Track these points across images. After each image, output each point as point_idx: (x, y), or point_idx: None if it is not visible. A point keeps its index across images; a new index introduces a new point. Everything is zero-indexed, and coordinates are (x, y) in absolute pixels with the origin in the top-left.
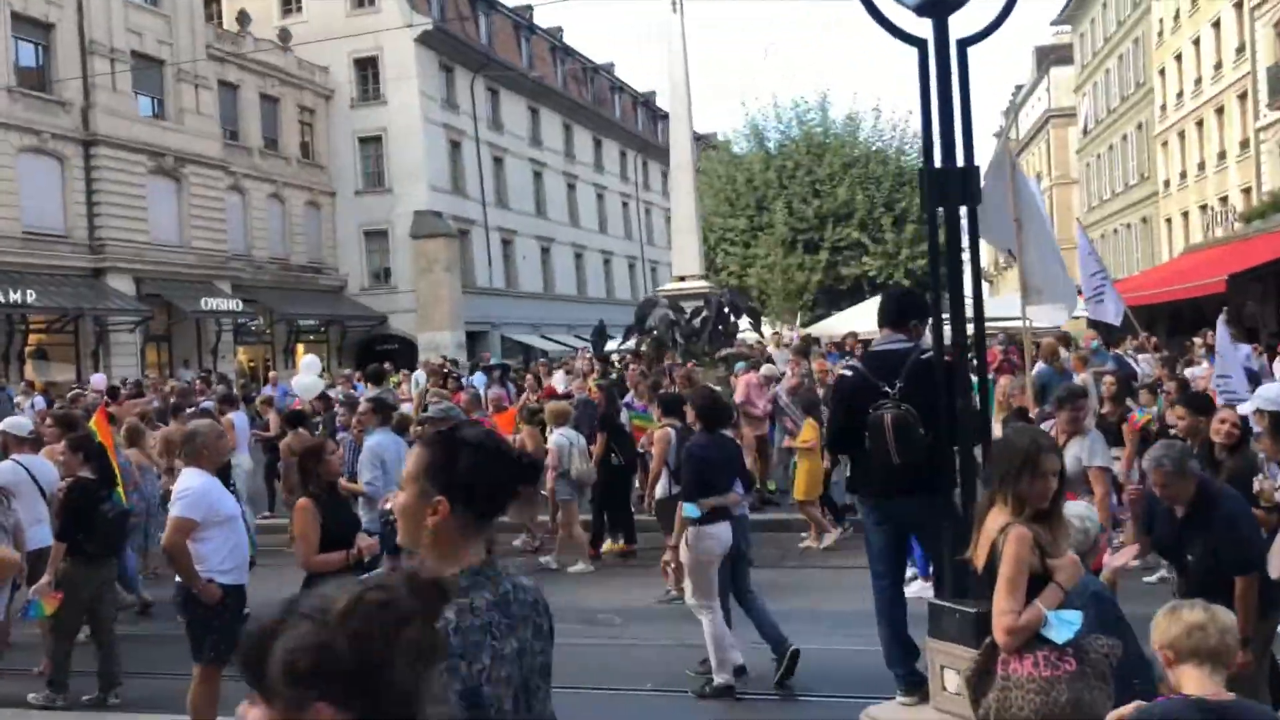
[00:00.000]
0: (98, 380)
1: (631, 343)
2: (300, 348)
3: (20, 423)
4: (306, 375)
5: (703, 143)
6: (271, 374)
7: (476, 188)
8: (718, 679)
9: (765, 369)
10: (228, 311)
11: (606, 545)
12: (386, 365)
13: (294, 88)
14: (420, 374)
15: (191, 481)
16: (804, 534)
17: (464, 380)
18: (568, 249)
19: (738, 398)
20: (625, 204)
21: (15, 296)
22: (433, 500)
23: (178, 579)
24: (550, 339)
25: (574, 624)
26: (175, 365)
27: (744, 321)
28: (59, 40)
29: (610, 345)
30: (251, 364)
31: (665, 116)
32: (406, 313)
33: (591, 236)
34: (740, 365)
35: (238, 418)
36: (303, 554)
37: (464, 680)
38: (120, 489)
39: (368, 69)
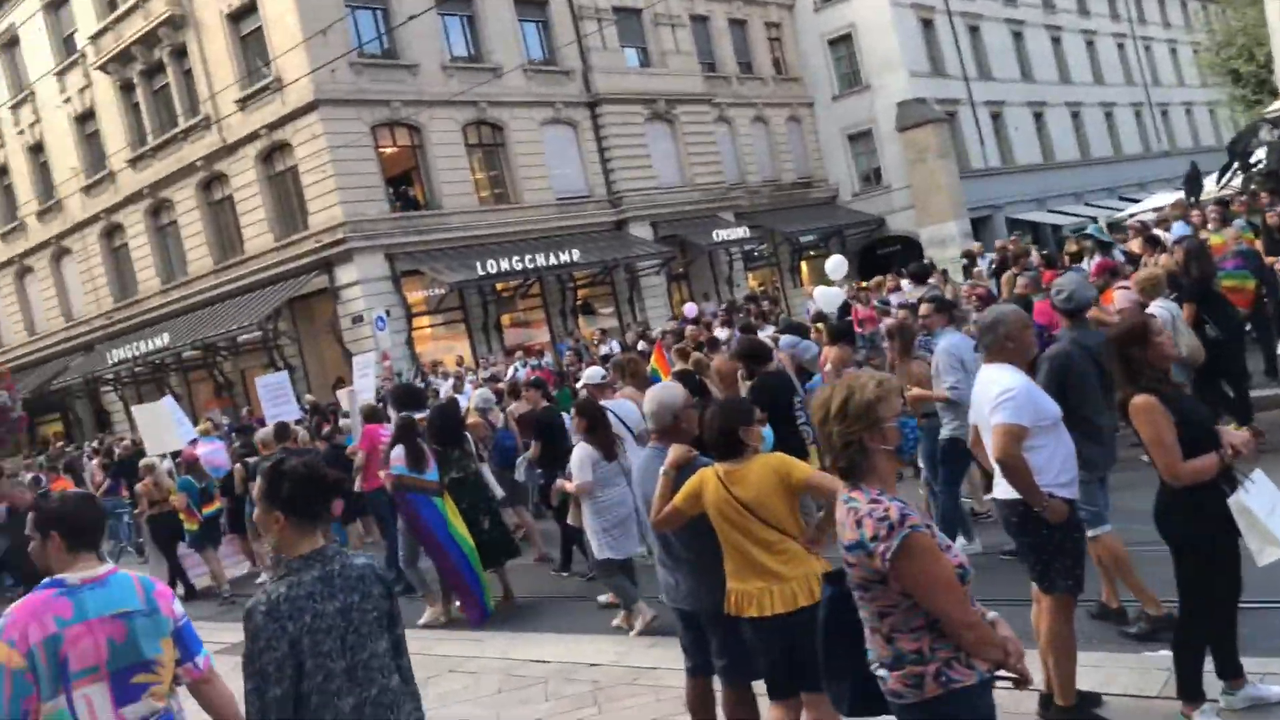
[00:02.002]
0: (689, 309)
1: (1237, 181)
2: (804, 265)
3: (595, 372)
4: (825, 291)
5: None
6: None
7: (956, 64)
8: None
9: None
10: (735, 240)
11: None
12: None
13: (758, 5)
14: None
15: (1010, 381)
16: None
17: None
18: (1062, 110)
19: None
20: (1120, 45)
21: (565, 257)
22: (272, 515)
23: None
24: (1057, 211)
25: None
26: (696, 300)
27: None
28: (553, 14)
29: (1208, 187)
30: (761, 287)
31: None
32: (903, 211)
33: (1087, 91)
34: None
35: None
36: (1166, 462)
37: (291, 633)
38: None
39: None
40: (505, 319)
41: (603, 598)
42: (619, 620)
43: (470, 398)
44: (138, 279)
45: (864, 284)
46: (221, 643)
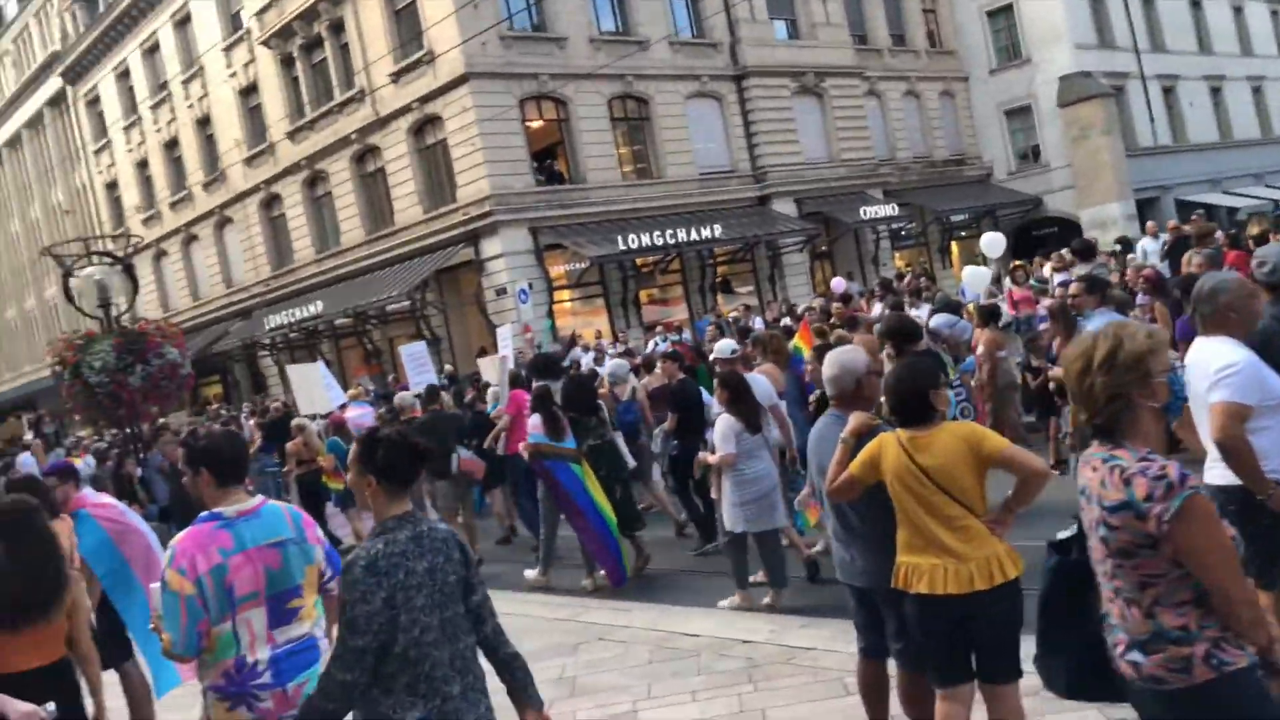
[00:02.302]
0: (837, 284)
1: None
2: (954, 246)
3: (725, 345)
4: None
5: None
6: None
7: (1126, 35)
8: None
9: None
10: (883, 218)
11: None
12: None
13: None
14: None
15: (1233, 355)
16: None
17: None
18: (1242, 85)
19: None
20: None
21: (706, 233)
22: (365, 479)
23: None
24: (1234, 193)
25: None
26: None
27: None
28: None
29: None
30: (909, 267)
31: None
32: (1062, 191)
33: (1271, 64)
34: None
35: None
36: None
37: (387, 588)
38: None
39: None
40: (644, 295)
41: (754, 576)
42: (729, 602)
43: (605, 369)
44: (294, 248)
45: (1020, 263)
46: None
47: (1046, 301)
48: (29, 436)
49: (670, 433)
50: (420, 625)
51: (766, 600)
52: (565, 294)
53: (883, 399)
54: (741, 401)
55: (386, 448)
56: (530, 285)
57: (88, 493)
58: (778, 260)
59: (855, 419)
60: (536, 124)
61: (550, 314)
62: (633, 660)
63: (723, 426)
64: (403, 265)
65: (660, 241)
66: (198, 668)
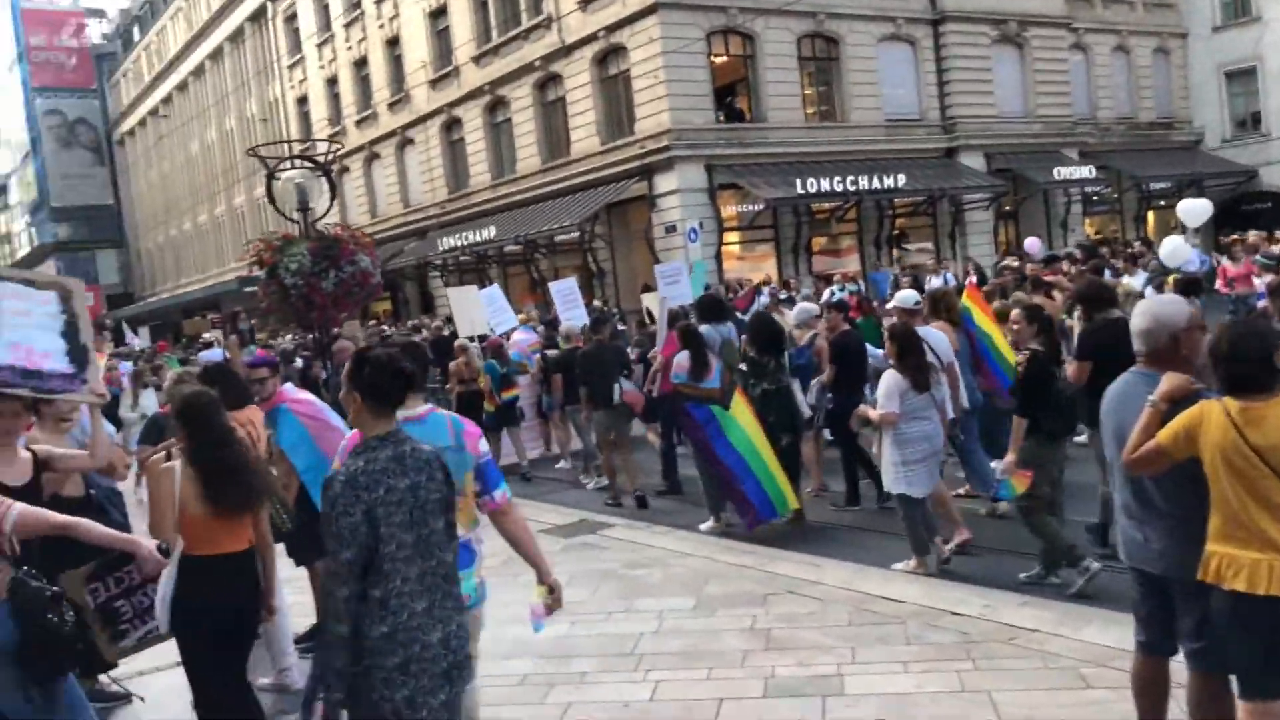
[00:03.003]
0: (1032, 245)
1: None
2: (1151, 215)
3: (908, 296)
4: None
5: None
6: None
7: None
8: None
9: None
10: (1077, 180)
11: None
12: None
13: None
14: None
15: None
16: None
17: None
18: None
19: None
20: None
21: (889, 182)
22: (352, 395)
23: None
24: None
25: None
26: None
27: None
28: None
29: None
30: (1098, 235)
31: None
32: None
33: None
34: None
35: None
36: None
37: (366, 502)
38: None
39: None
40: (816, 242)
41: (949, 546)
42: (906, 565)
43: (792, 313)
44: (470, 173)
45: (1237, 237)
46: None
47: (1268, 278)
48: (210, 335)
49: (827, 385)
50: (396, 540)
51: (900, 566)
52: (734, 236)
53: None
54: (910, 356)
55: (373, 367)
56: (700, 224)
57: (288, 388)
58: (960, 216)
59: (1170, 381)
60: (721, 59)
61: (719, 256)
62: (831, 619)
63: (888, 383)
64: (574, 196)
65: (840, 188)
66: None
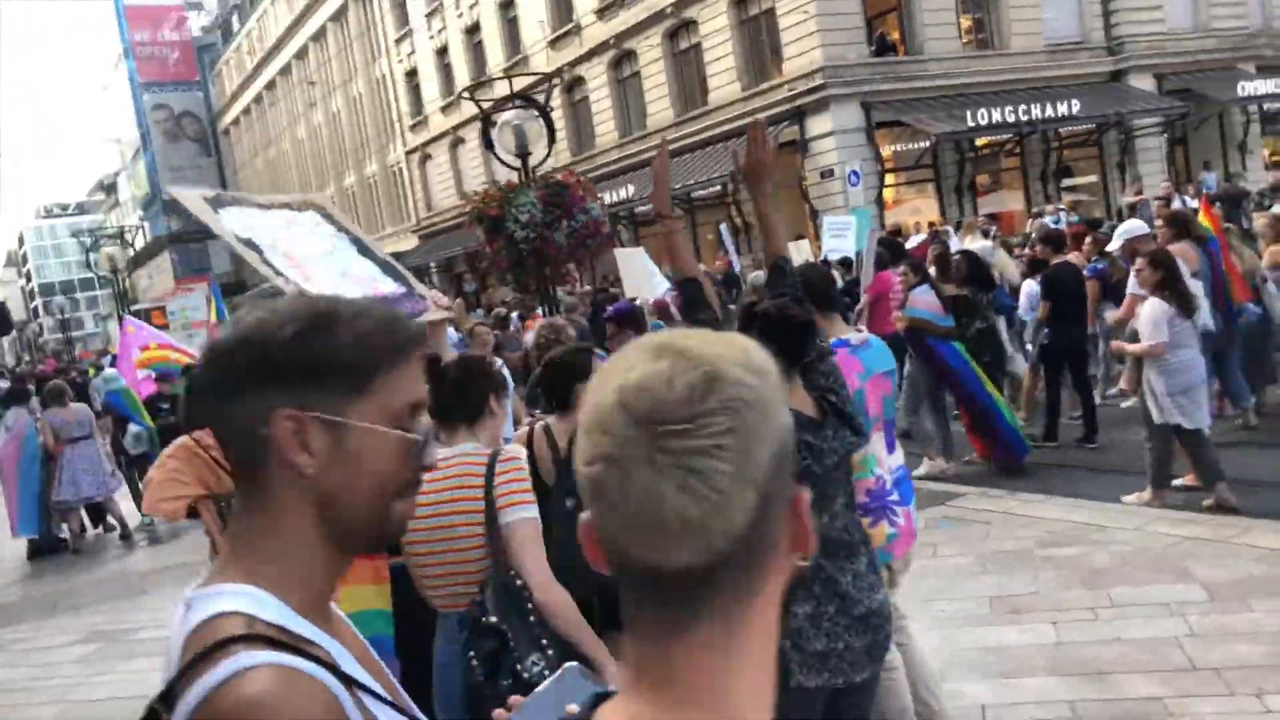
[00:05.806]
0: (1209, 179)
1: None
2: None
3: (1137, 224)
4: None
5: None
6: None
7: None
8: None
9: None
10: (1261, 96)
11: None
12: None
13: None
14: None
15: None
16: None
17: None
18: None
19: None
20: None
21: (1061, 109)
22: None
23: None
24: None
25: None
26: (1194, 170)
27: None
28: None
29: None
30: (1275, 157)
31: None
32: None
33: None
34: None
35: None
36: None
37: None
38: None
39: None
40: (980, 179)
41: (1179, 480)
42: (1136, 498)
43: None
44: (595, 132)
45: None
46: None
47: None
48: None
49: (1043, 320)
50: None
51: (1208, 502)
52: (890, 179)
53: None
54: (1173, 283)
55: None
56: (860, 167)
57: None
58: (1129, 145)
59: None
60: None
61: (880, 200)
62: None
63: (1151, 311)
64: (712, 148)
65: (1011, 118)
66: None
